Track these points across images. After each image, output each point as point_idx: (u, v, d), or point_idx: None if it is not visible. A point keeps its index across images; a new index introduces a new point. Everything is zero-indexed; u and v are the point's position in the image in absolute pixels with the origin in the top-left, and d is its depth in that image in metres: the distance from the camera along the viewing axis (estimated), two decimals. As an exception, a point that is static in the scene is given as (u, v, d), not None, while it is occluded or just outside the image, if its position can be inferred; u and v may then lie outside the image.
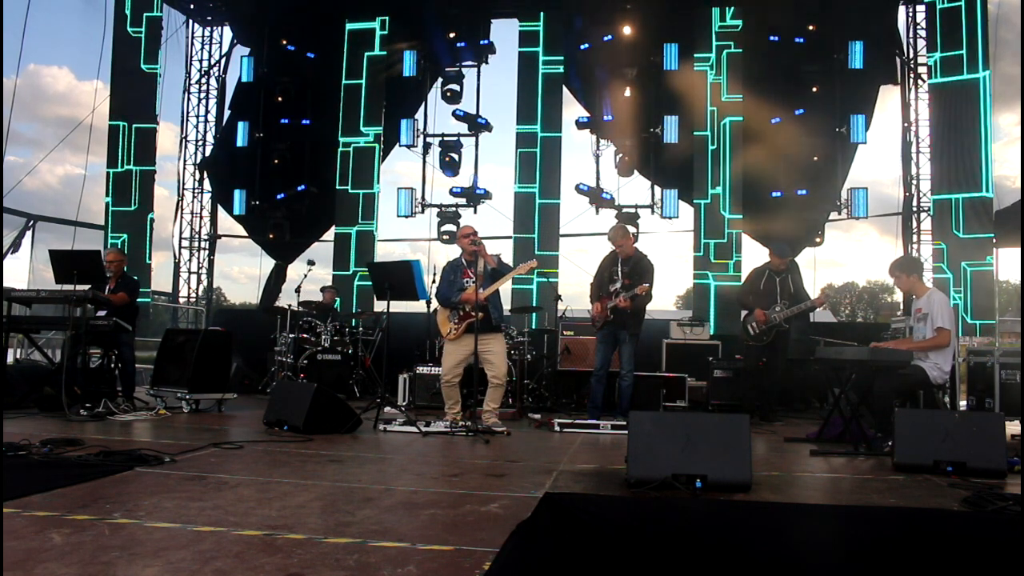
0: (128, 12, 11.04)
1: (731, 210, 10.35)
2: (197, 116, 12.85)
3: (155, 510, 2.79)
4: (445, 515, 2.84)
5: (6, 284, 7.84)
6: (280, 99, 11.45)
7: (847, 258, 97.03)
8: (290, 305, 8.84)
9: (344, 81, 11.32)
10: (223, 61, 12.92)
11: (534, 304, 9.99)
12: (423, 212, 11.25)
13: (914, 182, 10.98)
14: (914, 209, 10.96)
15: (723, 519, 2.81)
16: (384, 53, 11.30)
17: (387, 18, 11.35)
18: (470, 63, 11.19)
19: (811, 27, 10.24)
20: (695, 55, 10.55)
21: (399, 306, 6.65)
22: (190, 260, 12.82)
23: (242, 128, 11.43)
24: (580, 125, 11.11)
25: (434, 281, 7.04)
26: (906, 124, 11.09)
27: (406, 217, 11.15)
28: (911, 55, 11.04)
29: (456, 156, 11.10)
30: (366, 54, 11.34)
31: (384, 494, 3.23)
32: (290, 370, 8.44)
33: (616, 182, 10.99)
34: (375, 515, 2.81)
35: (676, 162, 10.56)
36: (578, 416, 6.58)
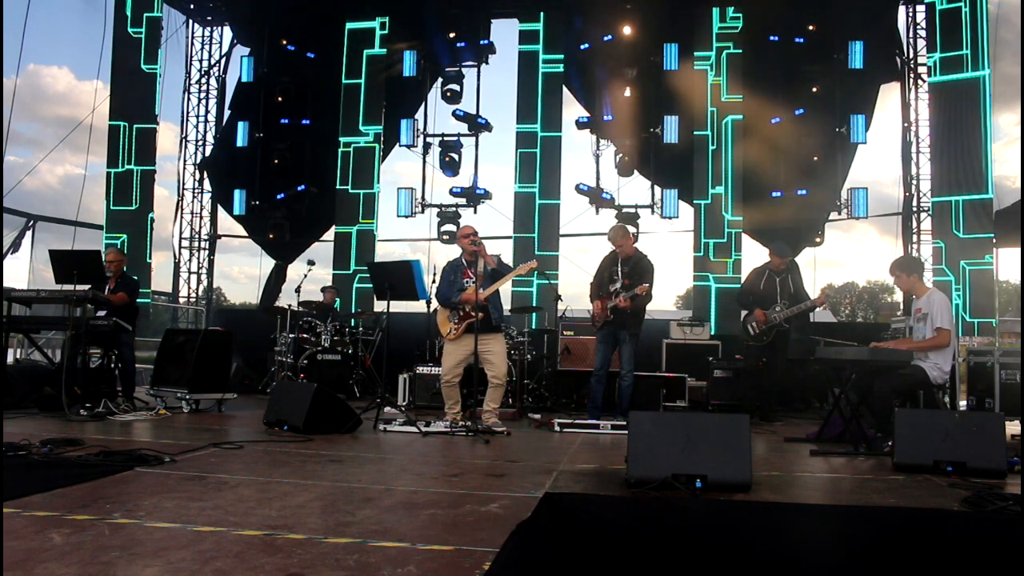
0: (129, 13, 11.04)
1: (731, 210, 10.35)
2: (197, 116, 12.86)
3: (155, 510, 2.78)
4: (445, 515, 2.84)
5: (6, 284, 7.84)
6: (280, 99, 11.46)
7: (847, 258, 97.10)
8: (290, 305, 8.84)
9: (344, 80, 11.33)
10: (223, 61, 12.94)
11: (534, 304, 9.99)
12: (423, 212, 11.26)
13: (914, 182, 10.99)
14: (914, 209, 10.96)
15: (723, 519, 2.81)
16: (384, 51, 11.30)
17: (387, 18, 11.36)
18: (470, 63, 11.20)
19: (811, 27, 10.25)
20: (695, 54, 10.55)
21: (399, 306, 6.66)
22: (190, 260, 12.83)
23: (242, 128, 11.44)
24: (580, 125, 11.11)
25: (434, 281, 7.04)
26: (906, 124, 11.10)
27: (406, 217, 11.16)
28: (911, 55, 11.04)
29: (456, 156, 11.11)
30: (366, 51, 11.34)
31: (384, 494, 3.23)
32: (290, 370, 8.44)
33: (616, 182, 11.02)
34: (375, 515, 2.81)
35: (676, 162, 10.56)
36: (578, 416, 6.58)
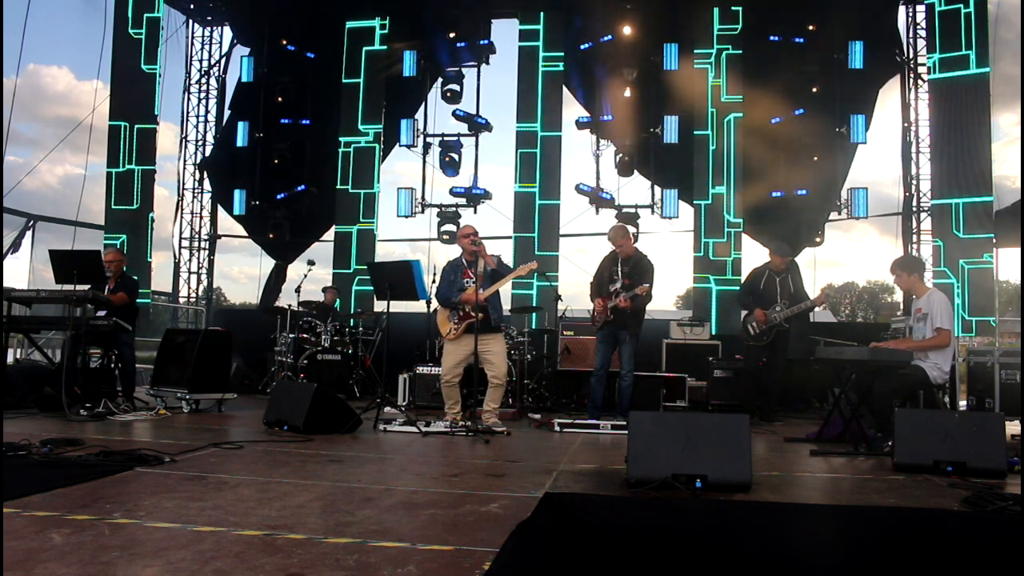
0: (130, 14, 11.04)
1: (731, 210, 10.35)
2: (197, 116, 12.86)
3: (155, 510, 2.79)
4: (445, 515, 2.84)
5: (6, 284, 7.84)
6: (280, 99, 11.45)
7: (847, 258, 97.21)
8: (290, 305, 8.84)
9: (344, 80, 11.32)
10: (223, 61, 12.94)
11: (534, 304, 9.99)
12: (423, 212, 11.25)
13: (914, 182, 10.99)
14: (914, 209, 10.96)
15: (723, 519, 2.81)
16: (384, 48, 11.29)
17: (388, 18, 11.34)
18: (470, 63, 11.19)
19: (811, 27, 10.24)
20: (695, 51, 10.54)
21: (399, 306, 6.66)
22: (190, 260, 12.83)
23: (242, 128, 11.43)
24: (580, 125, 11.11)
25: (434, 281, 7.04)
26: (906, 124, 11.10)
27: (406, 217, 11.15)
28: (911, 55, 11.04)
29: (456, 156, 11.11)
30: (365, 49, 11.33)
31: (384, 494, 3.23)
32: (290, 370, 8.44)
33: (616, 182, 11.00)
34: (375, 515, 2.81)
35: (676, 162, 10.56)
36: (578, 416, 6.58)
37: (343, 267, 11.08)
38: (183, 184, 12.78)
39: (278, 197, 11.44)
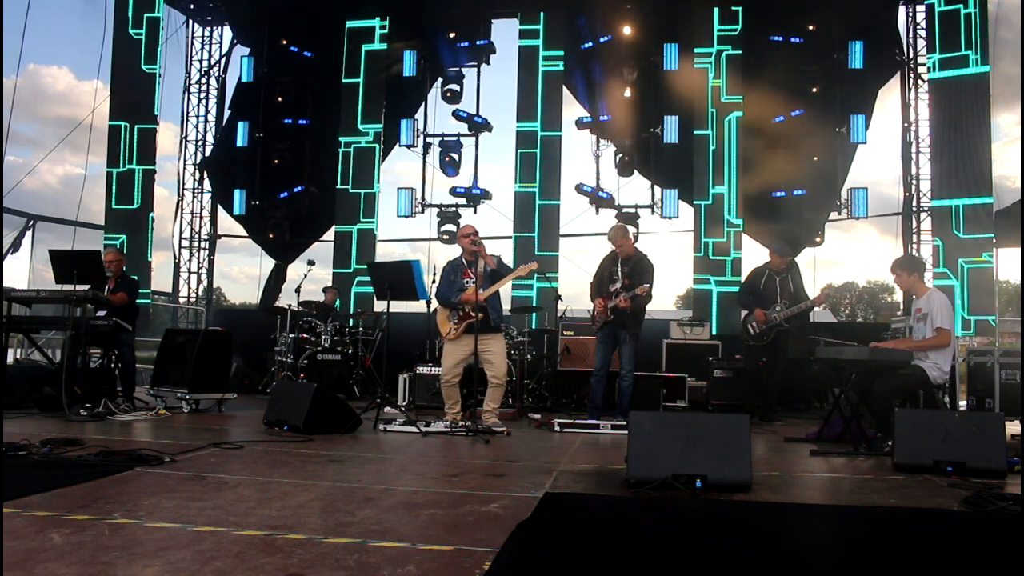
0: (130, 14, 11.04)
1: (731, 210, 10.35)
2: (197, 116, 12.86)
3: (155, 510, 2.79)
4: (445, 515, 2.84)
5: (6, 284, 7.84)
6: (280, 99, 11.45)
7: (847, 258, 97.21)
8: (290, 305, 8.84)
9: (344, 79, 11.32)
10: (223, 61, 12.95)
11: (534, 304, 9.99)
12: (423, 212, 11.26)
13: (914, 182, 10.99)
14: (914, 209, 10.96)
15: (723, 519, 2.81)
16: (384, 46, 11.29)
17: (388, 18, 11.34)
18: (470, 63, 11.19)
19: (811, 27, 10.24)
20: (695, 51, 10.54)
21: (399, 306, 6.66)
22: (190, 260, 12.83)
23: (242, 128, 11.44)
24: (580, 125, 11.11)
25: (434, 281, 7.04)
26: (906, 124, 11.10)
27: (406, 217, 11.16)
28: (911, 55, 11.04)
29: (456, 156, 11.11)
30: (364, 47, 11.32)
31: (384, 494, 3.23)
32: (290, 370, 8.44)
33: (616, 182, 11.01)
34: (375, 515, 2.81)
35: (676, 162, 10.56)
36: (578, 416, 6.58)
37: (343, 267, 11.08)
38: (183, 184, 12.80)
39: (278, 197, 11.45)
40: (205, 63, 12.91)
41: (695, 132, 10.49)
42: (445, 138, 11.21)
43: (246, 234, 12.12)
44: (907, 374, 4.96)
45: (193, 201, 12.81)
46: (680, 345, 8.70)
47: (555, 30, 11.04)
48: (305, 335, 8.79)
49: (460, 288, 5.85)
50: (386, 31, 11.34)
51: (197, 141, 12.81)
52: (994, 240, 8.74)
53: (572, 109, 11.43)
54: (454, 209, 11.08)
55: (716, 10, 10.59)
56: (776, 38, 10.39)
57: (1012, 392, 6.92)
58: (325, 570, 2.12)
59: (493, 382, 5.83)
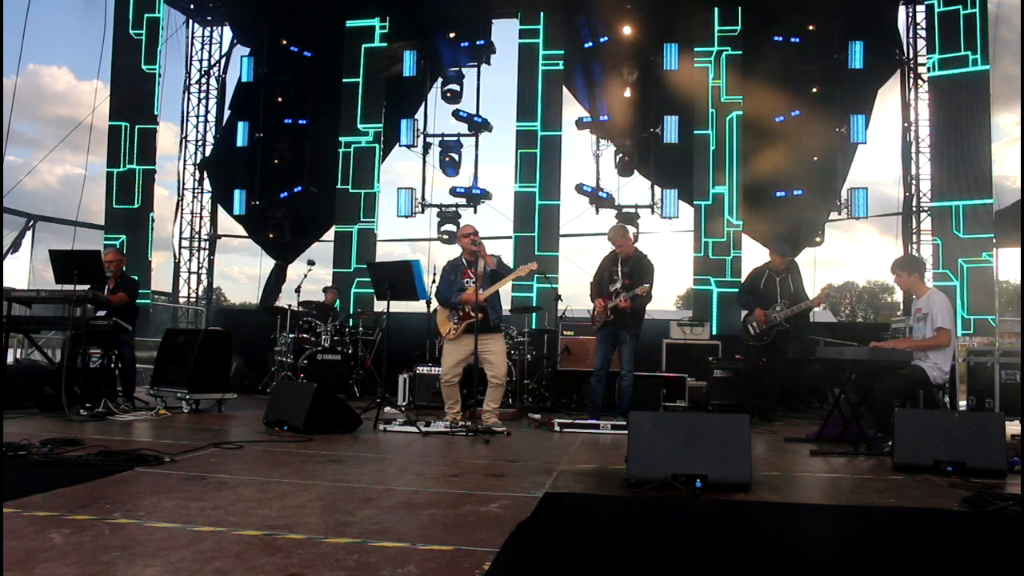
0: (130, 15, 11.04)
1: (731, 210, 10.35)
2: (197, 116, 12.86)
3: (155, 510, 2.79)
4: (445, 515, 2.84)
5: (6, 284, 7.84)
6: (280, 99, 11.46)
7: (847, 258, 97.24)
8: (290, 305, 8.84)
9: (344, 79, 11.32)
10: (223, 61, 12.95)
11: (534, 304, 9.99)
12: (423, 212, 11.26)
13: (914, 182, 10.99)
14: (914, 209, 10.96)
15: (723, 519, 2.81)
16: (384, 45, 11.28)
17: (388, 18, 11.33)
18: (470, 63, 11.19)
19: (811, 27, 10.24)
20: (695, 51, 10.53)
21: (399, 306, 6.66)
22: (190, 260, 12.83)
23: (242, 128, 11.44)
24: (580, 125, 11.11)
25: (434, 281, 7.04)
26: (906, 124, 11.10)
27: (406, 217, 11.16)
28: (911, 55, 11.04)
29: (456, 156, 11.11)
30: (364, 46, 11.32)
31: (384, 494, 3.23)
32: (290, 370, 8.44)
33: (616, 182, 11.01)
34: (375, 515, 2.81)
35: (676, 162, 10.56)
36: (578, 416, 6.58)
37: (343, 267, 11.08)
38: (183, 184, 12.80)
39: (279, 197, 11.45)
40: (205, 63, 12.91)
41: (695, 132, 10.49)
42: (445, 138, 11.21)
43: (246, 234, 12.12)
44: (907, 374, 4.96)
45: (193, 201, 12.81)
46: (680, 345, 8.70)
47: (555, 30, 11.04)
48: (305, 335, 8.79)
49: (460, 288, 5.85)
50: (386, 31, 11.34)
51: (197, 141, 12.82)
52: (994, 240, 8.74)
53: (572, 109, 11.46)
54: (454, 209, 11.09)
55: (716, 10, 10.59)
56: (776, 38, 10.39)
57: (1012, 392, 6.92)
58: (325, 570, 2.12)
59: (493, 382, 5.83)
